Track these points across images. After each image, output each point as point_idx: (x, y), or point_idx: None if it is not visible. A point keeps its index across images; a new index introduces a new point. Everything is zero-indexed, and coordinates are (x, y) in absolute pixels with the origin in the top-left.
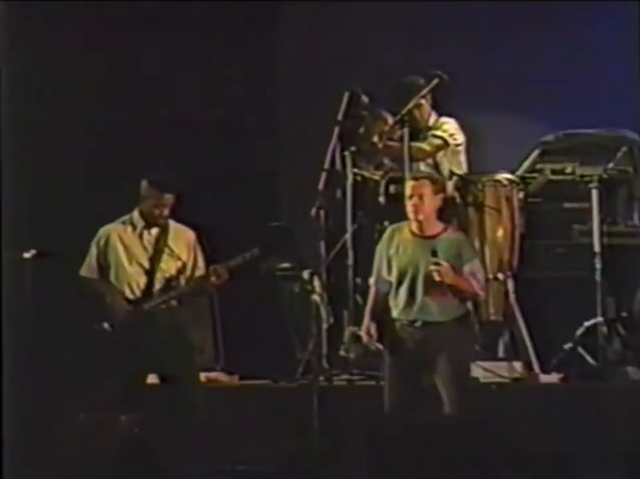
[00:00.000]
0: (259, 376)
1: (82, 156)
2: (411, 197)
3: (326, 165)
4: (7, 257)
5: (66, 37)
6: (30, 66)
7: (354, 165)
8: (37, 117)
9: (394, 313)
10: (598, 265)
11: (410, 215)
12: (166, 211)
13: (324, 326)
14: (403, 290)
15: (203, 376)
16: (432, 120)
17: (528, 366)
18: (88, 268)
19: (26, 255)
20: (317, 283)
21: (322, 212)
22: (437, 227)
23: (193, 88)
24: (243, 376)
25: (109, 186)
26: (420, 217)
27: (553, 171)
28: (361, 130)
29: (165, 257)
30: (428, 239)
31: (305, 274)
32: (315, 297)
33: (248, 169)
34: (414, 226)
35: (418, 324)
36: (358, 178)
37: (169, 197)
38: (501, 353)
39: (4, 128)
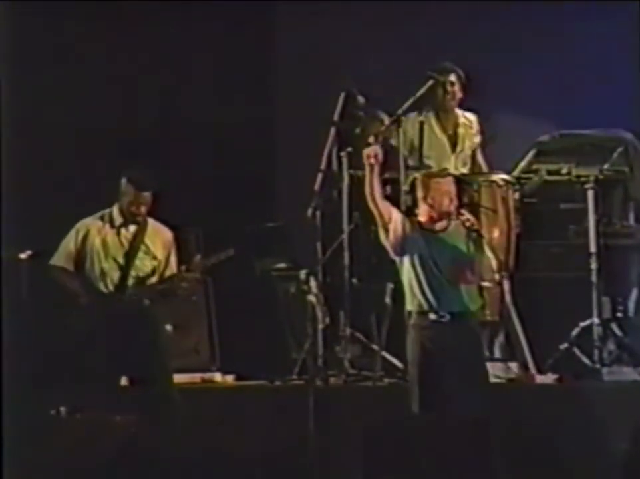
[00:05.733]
0: (255, 376)
1: (78, 156)
2: (442, 194)
3: (323, 166)
4: (5, 258)
5: (55, 38)
6: (29, 68)
7: (350, 165)
8: (36, 118)
9: (419, 307)
10: (594, 266)
11: (444, 211)
12: (143, 209)
13: (320, 326)
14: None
15: (198, 376)
16: (461, 112)
17: (524, 366)
18: (62, 258)
19: (22, 255)
20: (313, 283)
21: (318, 212)
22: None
23: (191, 88)
24: (239, 376)
25: (107, 186)
26: (452, 213)
27: (549, 172)
28: (357, 130)
29: (140, 254)
30: (446, 231)
31: (301, 274)
32: (311, 298)
33: (245, 169)
34: (426, 219)
35: (445, 318)
36: (355, 179)
37: (146, 195)
38: (497, 353)
39: (4, 129)
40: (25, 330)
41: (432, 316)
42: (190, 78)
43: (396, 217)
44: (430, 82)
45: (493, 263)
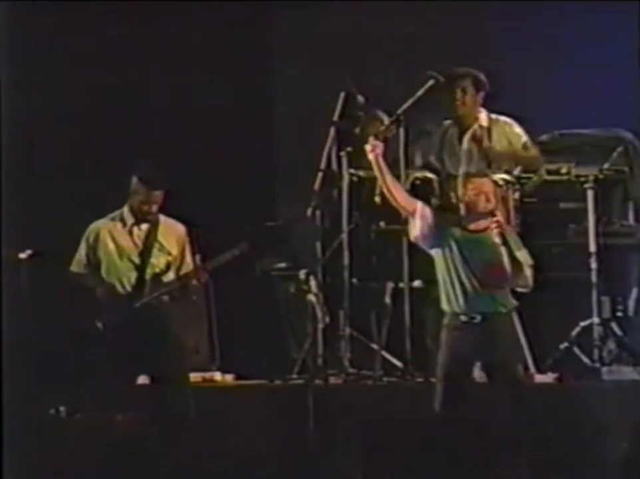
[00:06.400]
0: (255, 375)
1: (78, 156)
2: (478, 195)
3: (323, 166)
4: (5, 258)
5: (59, 35)
6: (30, 66)
7: (350, 165)
8: (37, 117)
9: (450, 306)
10: (593, 265)
11: (481, 212)
12: (155, 208)
13: (320, 326)
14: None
15: (198, 375)
16: (485, 117)
17: (524, 366)
18: (78, 263)
19: (22, 255)
20: (312, 283)
21: (318, 212)
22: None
23: (191, 87)
24: (239, 376)
25: (107, 185)
26: (487, 215)
27: (549, 172)
28: (357, 130)
29: (155, 252)
30: (480, 233)
31: (301, 274)
32: (311, 297)
33: (244, 169)
34: (464, 218)
35: (477, 319)
36: (355, 178)
37: (158, 194)
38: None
39: (4, 129)
40: (25, 330)
41: (463, 317)
42: (190, 79)
43: (420, 209)
44: (430, 82)
45: (528, 272)
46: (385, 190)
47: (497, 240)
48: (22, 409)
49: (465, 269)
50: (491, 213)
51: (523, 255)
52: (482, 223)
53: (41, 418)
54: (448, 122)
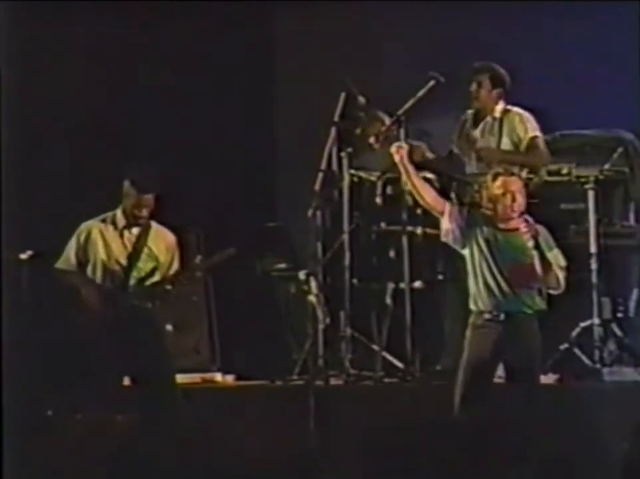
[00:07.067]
0: (255, 376)
1: (79, 156)
2: (504, 194)
3: (323, 166)
4: (5, 258)
5: (59, 35)
6: (29, 68)
7: (351, 166)
8: (36, 118)
9: (476, 306)
10: (594, 266)
11: (506, 211)
12: (145, 212)
13: (321, 327)
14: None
15: (198, 376)
16: (500, 108)
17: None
18: (66, 261)
19: (23, 256)
20: (313, 283)
21: (318, 213)
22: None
23: (190, 88)
24: (239, 376)
25: (108, 186)
26: (514, 214)
27: (549, 172)
28: (357, 130)
29: (143, 256)
30: (511, 232)
31: (302, 275)
32: (312, 298)
33: (245, 169)
34: (492, 216)
35: (501, 317)
36: (355, 179)
37: (148, 198)
38: None
39: (4, 129)
40: (25, 330)
41: (487, 315)
42: (190, 79)
43: (449, 209)
44: (431, 83)
45: (560, 273)
46: (413, 191)
47: (530, 244)
48: (22, 409)
49: (494, 268)
50: (520, 214)
51: (554, 256)
52: (512, 223)
53: (41, 418)
54: (470, 111)
